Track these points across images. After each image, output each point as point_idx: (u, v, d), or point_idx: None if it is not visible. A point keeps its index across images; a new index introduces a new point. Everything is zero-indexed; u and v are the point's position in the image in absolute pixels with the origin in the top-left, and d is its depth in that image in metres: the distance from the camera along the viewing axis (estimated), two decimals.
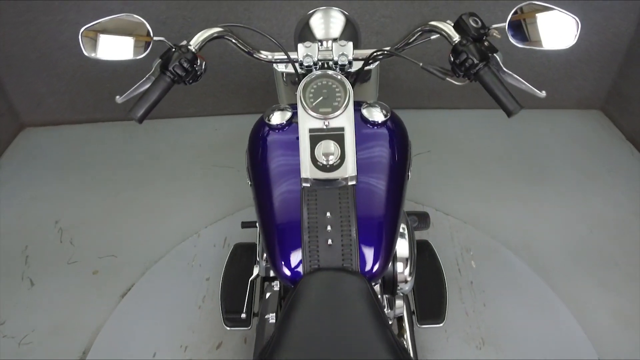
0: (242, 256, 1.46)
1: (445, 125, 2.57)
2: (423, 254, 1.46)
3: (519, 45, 0.88)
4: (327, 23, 1.12)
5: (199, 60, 0.97)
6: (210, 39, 0.98)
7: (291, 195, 0.91)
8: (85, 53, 0.92)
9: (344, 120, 0.90)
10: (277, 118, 0.98)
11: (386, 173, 0.94)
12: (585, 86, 2.54)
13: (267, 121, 0.98)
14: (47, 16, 2.26)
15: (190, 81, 0.96)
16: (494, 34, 0.91)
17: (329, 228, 0.85)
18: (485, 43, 0.90)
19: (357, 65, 1.06)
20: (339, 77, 0.94)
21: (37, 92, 2.53)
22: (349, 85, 0.93)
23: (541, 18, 0.84)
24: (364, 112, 0.98)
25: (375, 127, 0.98)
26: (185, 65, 0.91)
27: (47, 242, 1.97)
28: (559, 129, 2.54)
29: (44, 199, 2.19)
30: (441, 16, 2.30)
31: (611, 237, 1.94)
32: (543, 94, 0.87)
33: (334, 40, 1.10)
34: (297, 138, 0.91)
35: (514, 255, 1.87)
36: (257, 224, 1.08)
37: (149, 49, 0.92)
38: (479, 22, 0.90)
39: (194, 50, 0.94)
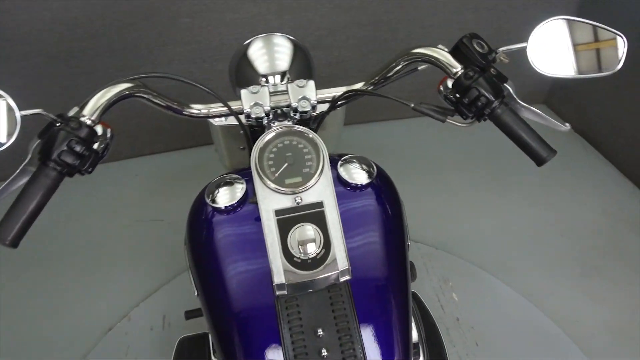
0: (191, 354, 1.13)
1: (396, 139, 2.37)
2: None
3: (545, 73, 0.67)
4: (272, 54, 0.87)
5: (101, 129, 0.65)
6: (115, 102, 0.65)
7: (262, 310, 0.64)
8: None
9: (322, 190, 0.64)
10: (225, 198, 0.69)
11: (383, 252, 0.70)
12: (529, 82, 2.46)
13: (210, 203, 0.69)
14: None
15: (90, 170, 0.63)
16: (502, 58, 0.69)
17: (324, 352, 0.59)
18: (492, 71, 0.68)
19: (319, 108, 0.80)
20: (310, 135, 0.67)
21: None
22: (321, 143, 0.67)
23: (575, 37, 0.62)
24: (342, 172, 0.73)
25: (359, 191, 0.73)
26: (78, 149, 0.59)
27: None
28: None
29: None
30: (383, 24, 2.14)
31: (585, 242, 1.85)
32: (567, 126, 0.70)
33: (283, 74, 0.85)
34: (258, 219, 0.64)
35: (495, 278, 1.70)
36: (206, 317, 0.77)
37: (16, 133, 0.59)
38: (485, 46, 0.67)
39: (90, 122, 0.62)
